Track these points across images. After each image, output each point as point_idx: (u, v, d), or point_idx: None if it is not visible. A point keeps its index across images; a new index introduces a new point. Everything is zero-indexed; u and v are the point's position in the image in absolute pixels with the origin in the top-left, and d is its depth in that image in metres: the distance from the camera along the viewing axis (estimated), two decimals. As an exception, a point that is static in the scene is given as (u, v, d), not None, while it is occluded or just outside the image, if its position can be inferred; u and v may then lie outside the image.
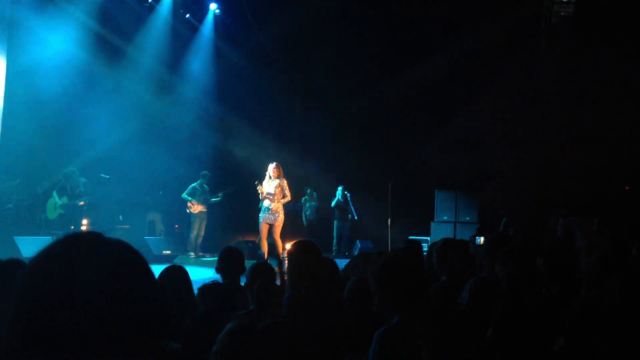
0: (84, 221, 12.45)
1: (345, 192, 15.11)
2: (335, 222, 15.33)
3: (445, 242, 4.99)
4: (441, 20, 15.91)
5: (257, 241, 11.41)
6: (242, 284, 4.77)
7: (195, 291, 4.22)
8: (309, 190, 15.81)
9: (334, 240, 15.31)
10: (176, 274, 4.13)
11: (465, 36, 15.50)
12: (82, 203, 11.91)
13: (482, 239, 6.09)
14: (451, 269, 4.71)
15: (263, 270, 4.15)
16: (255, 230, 14.87)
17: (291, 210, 15.86)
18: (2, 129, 12.16)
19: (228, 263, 4.80)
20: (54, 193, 11.76)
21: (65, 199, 11.75)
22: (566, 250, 5.99)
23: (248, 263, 4.73)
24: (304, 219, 15.62)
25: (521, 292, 3.67)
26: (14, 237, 10.43)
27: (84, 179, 12.06)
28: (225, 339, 2.50)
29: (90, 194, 12.04)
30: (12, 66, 12.24)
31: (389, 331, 2.91)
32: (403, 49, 16.65)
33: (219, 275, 4.83)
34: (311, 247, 4.28)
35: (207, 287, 4.15)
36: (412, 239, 5.93)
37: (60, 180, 11.82)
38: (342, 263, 8.97)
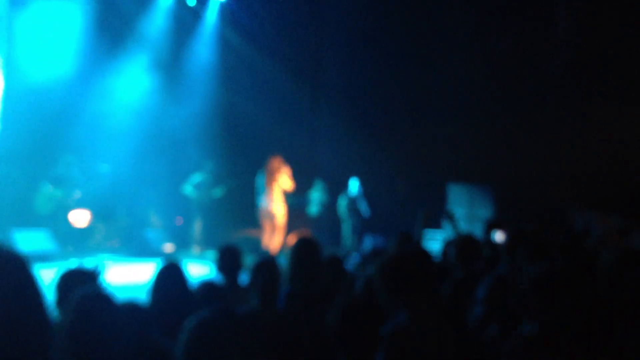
0: (86, 214, 12.32)
1: (357, 187, 14.95)
2: (345, 217, 15.14)
3: (459, 239, 4.98)
4: (454, 20, 15.76)
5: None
6: (241, 280, 4.76)
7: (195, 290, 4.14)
8: (318, 183, 15.60)
9: (345, 236, 15.14)
10: (171, 272, 4.00)
11: (479, 30, 15.40)
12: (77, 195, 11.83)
13: (499, 234, 5.96)
14: (467, 265, 4.65)
15: (267, 265, 4.03)
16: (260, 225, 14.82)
17: (294, 203, 15.73)
18: (1, 120, 12.06)
19: (226, 261, 4.75)
20: (47, 186, 11.60)
21: (60, 191, 11.60)
22: (585, 245, 5.82)
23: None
24: (311, 212, 15.48)
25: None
26: (12, 229, 10.37)
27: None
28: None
29: (84, 184, 11.93)
30: (11, 54, 12.15)
31: (395, 329, 2.90)
32: (415, 41, 16.51)
33: (220, 273, 4.75)
34: (311, 243, 4.24)
35: (204, 288, 4.09)
36: (403, 232, 5.81)
37: (60, 171, 11.69)
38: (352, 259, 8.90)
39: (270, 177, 11.03)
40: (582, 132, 14.64)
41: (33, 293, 1.15)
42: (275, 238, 11.21)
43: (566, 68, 14.85)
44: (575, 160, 14.55)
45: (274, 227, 11.24)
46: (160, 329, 3.47)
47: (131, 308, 3.14)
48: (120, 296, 3.16)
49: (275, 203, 11.11)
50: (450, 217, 6.49)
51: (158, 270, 4.02)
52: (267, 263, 4.12)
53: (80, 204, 12.03)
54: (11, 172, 11.43)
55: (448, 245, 5.02)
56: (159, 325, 3.54)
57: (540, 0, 15.32)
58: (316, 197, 15.42)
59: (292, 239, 4.63)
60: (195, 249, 13.26)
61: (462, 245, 4.74)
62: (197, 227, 13.51)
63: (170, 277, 3.97)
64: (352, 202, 14.93)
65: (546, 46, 15.20)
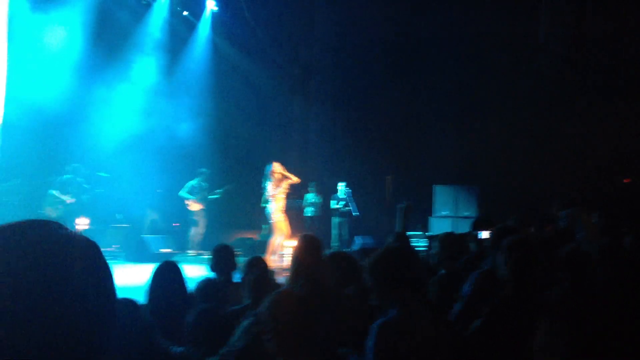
0: (85, 220, 12.42)
1: (346, 189, 15.02)
2: (335, 218, 15.24)
3: (445, 236, 4.98)
4: (441, 26, 15.88)
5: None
6: (235, 280, 4.78)
7: (192, 288, 4.21)
8: (310, 185, 15.67)
9: (334, 237, 15.23)
10: (169, 270, 4.09)
11: (465, 33, 15.53)
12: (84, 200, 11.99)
13: (484, 233, 6.03)
14: (451, 261, 4.69)
15: (257, 264, 4.13)
16: (255, 227, 14.92)
17: (289, 207, 15.83)
18: (1, 129, 12.13)
19: (221, 260, 4.80)
20: (52, 191, 11.71)
21: (69, 196, 11.73)
22: (568, 241, 5.95)
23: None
24: (304, 213, 15.55)
25: (523, 284, 3.64)
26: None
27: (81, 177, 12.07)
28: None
29: (89, 190, 12.06)
30: (11, 66, 12.22)
31: (385, 324, 2.93)
32: (404, 45, 16.63)
33: (214, 272, 4.82)
34: (313, 241, 4.23)
35: (203, 285, 4.14)
36: (399, 232, 5.81)
37: (66, 176, 11.81)
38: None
39: (277, 183, 11.34)
40: (566, 133, 14.84)
41: (108, 279, 1.10)
42: (274, 240, 11.44)
43: (552, 70, 15.02)
44: (559, 161, 14.75)
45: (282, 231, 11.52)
46: (157, 324, 3.59)
47: (130, 306, 3.23)
48: (120, 296, 3.29)
49: (280, 207, 11.44)
50: (408, 210, 6.38)
51: (155, 269, 4.11)
52: (257, 261, 4.21)
53: (81, 209, 12.15)
54: (15, 180, 11.52)
55: (432, 242, 4.99)
56: (156, 321, 3.66)
57: (527, 2, 15.49)
58: (309, 199, 15.51)
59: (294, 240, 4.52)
60: (192, 253, 13.40)
61: (446, 241, 4.76)
62: (193, 231, 13.66)
63: (167, 274, 4.04)
64: (342, 203, 15.03)
65: (533, 50, 15.37)
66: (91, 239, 1.12)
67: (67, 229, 1.10)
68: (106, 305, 1.08)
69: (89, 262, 1.08)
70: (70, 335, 1.01)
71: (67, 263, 1.04)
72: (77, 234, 1.10)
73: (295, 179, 11.61)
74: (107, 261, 1.12)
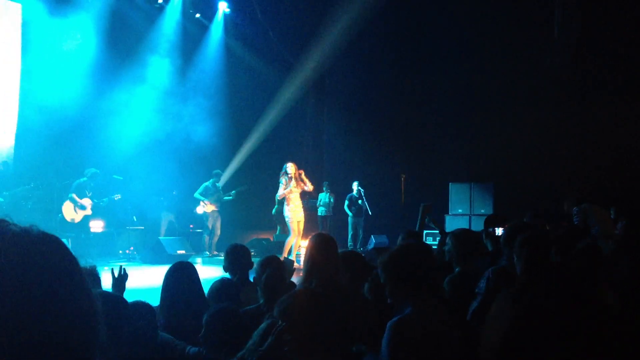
0: (100, 222, 12.51)
1: (359, 188, 15.02)
2: (350, 217, 15.24)
3: (460, 232, 4.93)
4: (454, 23, 15.83)
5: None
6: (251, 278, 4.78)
7: (206, 290, 4.21)
8: (324, 185, 15.68)
9: (349, 236, 15.23)
10: (183, 270, 4.10)
11: (478, 31, 15.47)
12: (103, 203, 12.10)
13: (499, 230, 6.00)
14: (465, 259, 4.66)
15: (270, 263, 4.12)
16: (270, 227, 14.93)
17: (304, 207, 15.85)
18: (16, 134, 12.27)
19: (234, 260, 4.79)
20: (71, 195, 11.80)
21: (86, 200, 11.83)
22: (583, 237, 5.92)
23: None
24: (318, 212, 15.55)
25: (536, 280, 3.61)
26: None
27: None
28: None
29: (109, 193, 12.18)
30: (25, 71, 12.35)
31: (401, 321, 2.90)
32: (417, 44, 16.59)
33: (227, 273, 4.81)
34: (326, 240, 4.21)
35: (217, 286, 4.15)
36: (410, 230, 5.78)
37: (83, 179, 11.91)
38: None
39: (295, 183, 11.28)
40: (581, 129, 14.73)
41: (77, 275, 1.01)
42: (291, 240, 11.40)
43: (564, 67, 14.91)
44: (574, 157, 14.64)
45: (298, 231, 11.46)
46: (172, 325, 3.61)
47: (145, 309, 3.30)
48: (134, 298, 3.34)
49: (295, 207, 11.38)
50: (426, 210, 6.33)
51: (169, 270, 4.11)
52: (270, 260, 4.21)
53: (98, 212, 12.23)
54: (28, 184, 11.62)
55: (447, 240, 4.94)
56: (170, 321, 3.69)
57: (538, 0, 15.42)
58: (322, 199, 15.52)
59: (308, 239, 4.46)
60: (207, 254, 13.44)
61: (460, 238, 4.71)
62: (209, 232, 13.68)
63: (181, 275, 4.02)
64: (356, 202, 15.02)
65: (545, 46, 15.28)
66: (49, 233, 1.05)
67: (15, 224, 1.03)
68: (79, 299, 1.01)
69: (47, 256, 1.01)
70: (43, 335, 0.95)
71: (18, 260, 0.97)
72: (31, 228, 1.03)
73: (309, 186, 11.50)
74: (72, 254, 1.05)
